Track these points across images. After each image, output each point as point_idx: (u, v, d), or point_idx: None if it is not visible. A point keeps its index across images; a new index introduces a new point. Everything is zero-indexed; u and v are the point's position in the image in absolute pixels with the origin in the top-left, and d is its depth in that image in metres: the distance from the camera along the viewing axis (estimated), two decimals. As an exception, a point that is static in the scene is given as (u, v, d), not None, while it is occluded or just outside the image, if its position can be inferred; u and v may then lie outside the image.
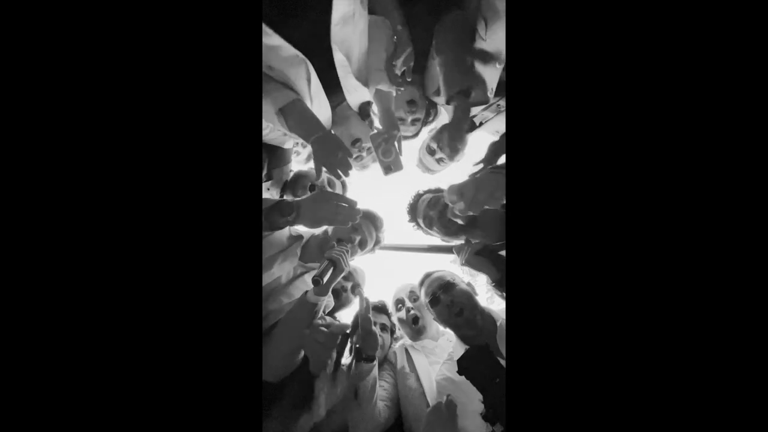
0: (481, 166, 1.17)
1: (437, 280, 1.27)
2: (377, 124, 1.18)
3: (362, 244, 1.16)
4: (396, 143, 1.08)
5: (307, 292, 0.95)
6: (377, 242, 1.23)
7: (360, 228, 1.15)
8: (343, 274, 0.98)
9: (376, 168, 1.16)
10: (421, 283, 1.33)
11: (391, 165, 1.10)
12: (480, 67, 0.99)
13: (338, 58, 0.95)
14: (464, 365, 0.61)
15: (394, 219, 1.41)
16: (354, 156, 1.17)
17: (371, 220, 1.21)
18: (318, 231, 1.20)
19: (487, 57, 0.97)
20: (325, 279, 0.91)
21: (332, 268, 0.94)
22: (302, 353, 0.95)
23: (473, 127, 1.26)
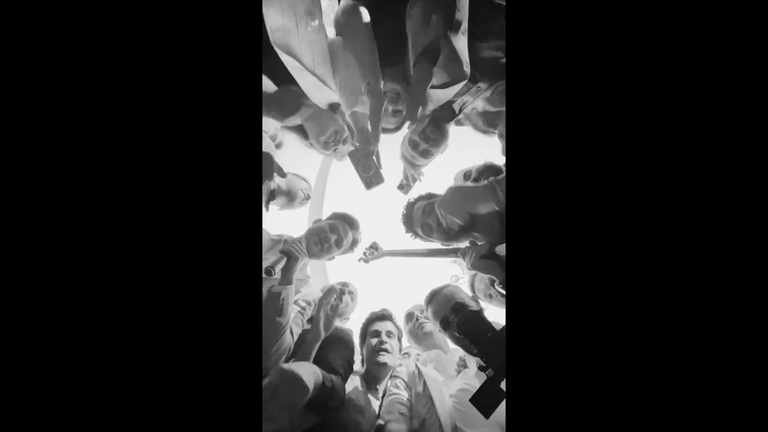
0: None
1: (446, 303, 1.21)
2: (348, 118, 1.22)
3: (338, 243, 1.27)
4: (374, 158, 1.15)
5: (272, 286, 1.04)
6: (354, 242, 1.35)
7: (336, 228, 1.27)
8: (300, 263, 1.11)
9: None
10: (429, 302, 1.29)
11: (372, 179, 1.17)
12: (454, 40, 0.97)
13: (287, 60, 0.99)
14: (461, 326, 0.66)
15: (391, 226, 1.44)
16: (332, 149, 1.26)
17: (347, 221, 1.32)
18: (295, 235, 1.29)
19: (455, 27, 0.96)
20: (277, 269, 1.02)
21: (285, 259, 1.05)
22: (284, 343, 1.02)
23: (453, 114, 1.26)
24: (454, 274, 1.76)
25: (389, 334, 1.29)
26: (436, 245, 1.33)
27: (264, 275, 1.02)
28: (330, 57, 1.04)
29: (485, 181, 1.13)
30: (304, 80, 1.06)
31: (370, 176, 1.16)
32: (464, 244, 1.27)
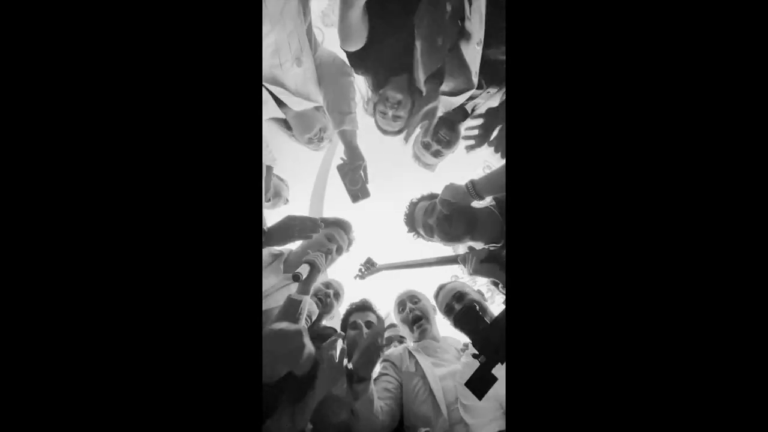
0: (473, 143, 1.26)
1: (450, 291, 1.33)
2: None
3: (339, 250, 1.29)
4: (362, 172, 1.21)
5: (290, 294, 1.07)
6: (350, 243, 1.37)
7: (334, 237, 1.28)
8: (320, 274, 1.12)
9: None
10: (436, 296, 1.38)
11: (358, 193, 1.22)
12: (464, 50, 1.00)
13: (273, 89, 1.11)
14: (458, 320, 0.73)
15: (394, 235, 1.48)
16: (315, 144, 1.40)
17: (341, 226, 1.34)
18: (295, 247, 1.33)
19: (468, 37, 1.00)
20: (304, 275, 1.03)
21: (310, 268, 1.06)
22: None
23: (466, 115, 1.30)
24: (454, 274, 1.80)
25: (369, 324, 1.28)
26: (432, 256, 1.38)
27: (293, 279, 1.05)
28: (317, 80, 1.12)
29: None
30: (291, 100, 1.16)
31: (357, 190, 1.21)
32: (463, 247, 1.30)
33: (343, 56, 1.18)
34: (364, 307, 1.35)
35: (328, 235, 1.26)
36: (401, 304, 1.47)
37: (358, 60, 1.18)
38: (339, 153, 1.39)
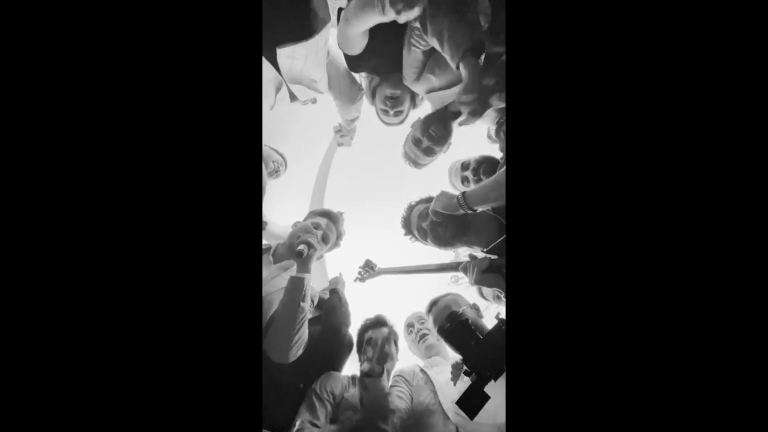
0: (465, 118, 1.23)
1: (445, 310, 1.31)
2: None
3: (325, 239, 1.27)
4: (350, 135, 1.53)
5: (292, 275, 1.10)
6: (339, 236, 1.36)
7: (320, 226, 1.27)
8: (318, 254, 1.18)
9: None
10: (429, 311, 1.36)
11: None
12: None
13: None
14: (448, 335, 0.70)
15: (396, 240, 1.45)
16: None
17: (329, 216, 1.33)
18: (283, 240, 1.34)
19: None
20: (306, 252, 1.09)
21: (307, 249, 1.11)
22: (304, 333, 1.07)
23: (458, 113, 1.25)
24: (455, 274, 1.79)
25: (386, 340, 1.30)
26: (433, 261, 1.35)
27: (296, 258, 1.11)
28: (327, 83, 1.25)
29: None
30: (303, 94, 1.22)
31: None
32: (465, 251, 1.28)
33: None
34: (378, 323, 1.35)
35: (314, 224, 1.26)
36: (410, 326, 1.51)
37: (356, 61, 1.23)
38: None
